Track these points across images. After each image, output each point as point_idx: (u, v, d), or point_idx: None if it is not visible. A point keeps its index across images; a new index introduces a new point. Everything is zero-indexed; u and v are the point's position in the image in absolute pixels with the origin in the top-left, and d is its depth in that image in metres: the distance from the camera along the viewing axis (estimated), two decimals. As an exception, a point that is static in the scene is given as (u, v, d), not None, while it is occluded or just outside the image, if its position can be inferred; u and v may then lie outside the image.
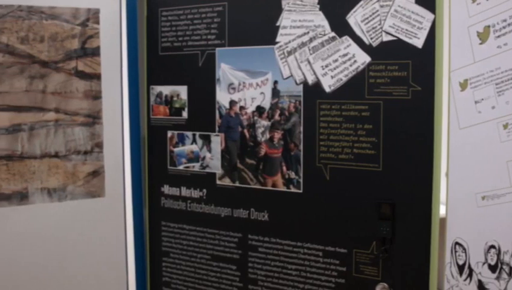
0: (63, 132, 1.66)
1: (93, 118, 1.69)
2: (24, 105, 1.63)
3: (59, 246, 1.69)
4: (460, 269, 1.35)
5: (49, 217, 1.68)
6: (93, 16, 1.66)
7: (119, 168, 1.74)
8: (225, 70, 1.62)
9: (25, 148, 1.63)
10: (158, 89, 1.74)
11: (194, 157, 1.70)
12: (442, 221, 1.40)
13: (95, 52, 1.68)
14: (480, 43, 1.29)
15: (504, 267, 1.27)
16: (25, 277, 1.66)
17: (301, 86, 1.53)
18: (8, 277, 1.64)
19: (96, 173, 1.70)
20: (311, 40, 1.52)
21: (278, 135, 1.58)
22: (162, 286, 1.79)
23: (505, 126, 1.26)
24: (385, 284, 1.45)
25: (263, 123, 1.60)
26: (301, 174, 1.55)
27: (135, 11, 1.73)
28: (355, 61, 1.46)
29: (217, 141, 1.66)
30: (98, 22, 1.67)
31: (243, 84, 1.60)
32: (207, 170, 1.69)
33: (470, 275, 1.33)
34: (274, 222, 1.60)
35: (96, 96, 1.69)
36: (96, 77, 1.68)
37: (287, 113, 1.56)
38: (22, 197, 1.64)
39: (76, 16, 1.65)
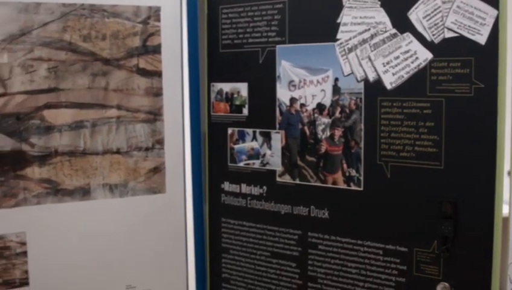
0: (124, 128, 1.92)
1: (154, 115, 1.94)
2: (86, 102, 1.88)
3: (120, 241, 1.94)
4: (523, 269, 1.50)
5: (111, 213, 1.93)
6: (154, 13, 1.91)
7: (179, 164, 1.98)
8: (285, 68, 1.83)
9: (87, 145, 1.89)
10: (219, 86, 1.97)
11: (254, 154, 1.92)
12: (505, 220, 1.56)
13: (156, 49, 1.93)
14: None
15: None
16: (85, 271, 1.91)
17: (362, 83, 1.70)
18: (69, 271, 1.90)
19: (157, 170, 1.96)
20: (372, 37, 1.69)
21: (338, 133, 1.77)
22: (221, 283, 2.02)
23: None
24: (446, 284, 1.60)
25: (324, 120, 1.80)
26: (362, 172, 1.72)
27: (196, 9, 1.96)
28: (416, 58, 1.61)
29: (277, 138, 1.87)
30: (159, 20, 1.92)
31: (304, 82, 1.81)
32: (267, 167, 1.90)
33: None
34: (334, 219, 1.79)
35: (157, 93, 1.94)
36: (157, 74, 1.93)
37: (347, 111, 1.74)
38: (84, 192, 1.91)
39: (138, 13, 1.90)
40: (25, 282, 1.86)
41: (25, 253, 1.85)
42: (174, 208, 1.99)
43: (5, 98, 1.78)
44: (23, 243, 1.84)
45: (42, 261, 1.87)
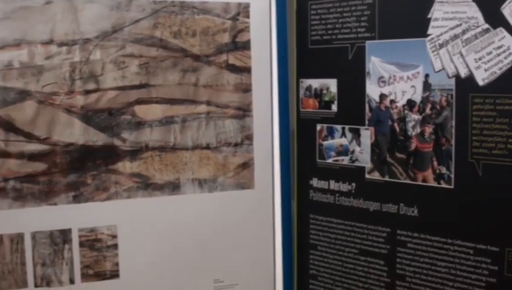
0: (214, 124, 2.26)
1: (244, 111, 2.27)
2: (177, 98, 2.20)
3: (208, 235, 2.26)
4: None
5: (200, 207, 2.25)
6: (244, 10, 2.24)
7: (268, 160, 2.29)
8: (375, 64, 2.09)
9: (177, 140, 2.24)
10: (307, 82, 2.26)
11: (343, 151, 2.20)
12: None
13: (246, 45, 2.25)
14: None
15: None
16: (174, 265, 2.24)
17: (453, 79, 1.92)
18: (158, 264, 2.22)
19: (246, 165, 2.29)
20: (464, 32, 1.90)
21: (429, 129, 2.00)
22: (309, 279, 2.30)
23: None
24: (538, 285, 1.78)
25: (414, 117, 2.04)
26: (452, 170, 1.95)
27: (285, 5, 2.23)
28: (510, 53, 1.81)
29: (367, 134, 2.14)
30: (248, 16, 2.24)
31: (394, 78, 2.06)
32: (356, 164, 2.17)
33: None
34: (424, 217, 2.02)
35: (247, 89, 2.26)
36: (247, 70, 2.26)
37: (438, 107, 1.96)
38: (173, 187, 2.25)
39: (227, 10, 2.23)
40: (115, 274, 2.20)
41: (115, 246, 2.19)
42: (262, 204, 2.30)
43: (98, 93, 2.11)
44: (114, 236, 2.18)
45: (132, 254, 2.20)
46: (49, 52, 2.05)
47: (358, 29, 2.11)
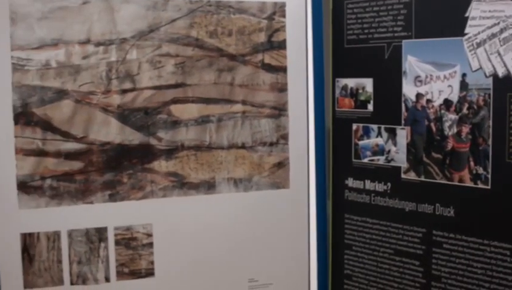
0: (249, 123, 2.37)
1: (279, 110, 2.37)
2: (212, 97, 2.30)
3: (243, 235, 2.35)
4: None
5: (235, 207, 2.34)
6: (280, 9, 2.35)
7: (303, 160, 2.38)
8: (412, 63, 2.16)
9: (212, 139, 2.35)
10: (343, 81, 2.34)
11: (379, 151, 2.28)
12: None
13: (281, 45, 2.35)
14: None
15: None
16: (208, 264, 2.34)
17: (491, 78, 1.98)
18: (193, 263, 2.33)
19: (282, 165, 2.40)
20: (501, 31, 1.96)
21: (465, 129, 2.07)
22: (343, 279, 2.38)
23: None
24: None
25: (450, 117, 2.11)
26: (490, 170, 2.01)
27: (320, 4, 2.31)
28: None
29: (403, 134, 2.21)
30: (284, 16, 2.34)
31: (430, 77, 2.12)
32: (392, 164, 2.25)
33: None
34: (460, 218, 2.09)
35: (282, 88, 2.37)
36: (282, 69, 2.36)
37: (475, 107, 2.02)
38: (209, 186, 2.35)
39: (263, 9, 2.33)
40: (150, 273, 2.31)
41: (151, 244, 2.30)
42: (297, 203, 2.39)
43: (134, 93, 2.23)
44: (150, 235, 2.29)
45: (167, 252, 2.30)
46: (86, 51, 2.17)
47: (395, 28, 2.19)
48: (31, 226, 2.18)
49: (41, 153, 2.16)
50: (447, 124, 2.13)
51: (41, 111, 2.14)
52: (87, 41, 2.17)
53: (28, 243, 2.18)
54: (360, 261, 2.38)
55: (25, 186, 2.15)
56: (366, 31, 2.27)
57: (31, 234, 2.18)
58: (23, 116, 2.13)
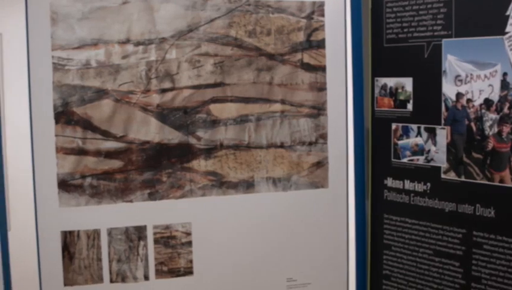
0: (288, 123, 2.44)
1: (318, 110, 2.44)
2: (251, 96, 2.39)
3: (282, 234, 2.43)
4: None
5: (274, 206, 2.42)
6: (318, 8, 2.41)
7: (342, 159, 2.45)
8: (452, 62, 2.20)
9: (251, 138, 2.42)
10: (383, 80, 2.39)
11: (419, 150, 2.33)
12: None
13: (320, 44, 2.42)
14: None
15: None
16: (247, 263, 2.43)
17: None
18: (231, 262, 2.41)
19: (320, 164, 2.47)
20: None
21: (506, 129, 2.10)
22: (382, 279, 2.45)
23: None
24: None
25: (491, 116, 2.14)
26: None
27: (359, 3, 2.38)
28: None
29: (443, 134, 2.26)
30: (323, 15, 2.40)
31: (471, 76, 2.17)
32: (431, 164, 2.30)
33: None
34: (501, 218, 2.12)
35: (321, 88, 2.43)
36: (321, 69, 2.42)
37: None
38: (248, 185, 2.43)
39: (302, 9, 2.40)
40: (189, 271, 2.40)
41: (189, 243, 2.39)
42: (336, 203, 2.47)
43: (173, 92, 2.31)
44: (189, 233, 2.38)
45: (206, 251, 2.39)
46: (125, 51, 2.26)
47: (435, 27, 2.24)
48: (71, 224, 2.28)
49: (81, 152, 2.25)
50: (487, 124, 2.16)
51: (82, 110, 2.23)
52: (126, 41, 2.25)
53: (68, 241, 2.27)
54: (399, 262, 2.43)
55: (65, 185, 2.24)
56: (405, 30, 2.32)
57: (71, 232, 2.27)
58: (63, 116, 2.22)
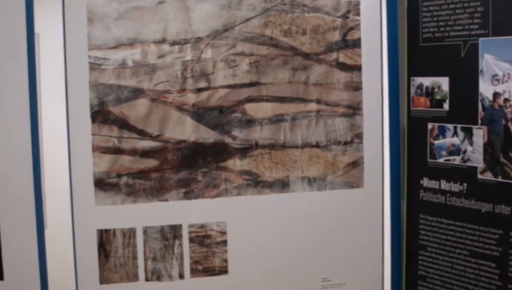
0: (324, 122, 2.48)
1: (354, 109, 2.48)
2: (287, 96, 2.43)
3: (316, 234, 2.48)
4: None
5: (309, 206, 2.47)
6: (354, 8, 2.44)
7: (378, 159, 2.49)
8: (489, 61, 2.22)
9: (287, 138, 2.46)
10: (419, 80, 2.42)
11: (455, 150, 2.36)
12: None
13: (356, 43, 2.46)
14: None
15: None
16: (282, 263, 2.47)
17: None
18: (266, 261, 2.46)
19: (356, 164, 2.51)
20: None
21: None
22: (417, 280, 2.47)
23: None
24: None
25: None
26: None
27: (395, 2, 2.41)
28: None
29: (479, 134, 2.28)
30: (358, 14, 2.44)
31: (508, 76, 2.17)
32: (468, 164, 2.32)
33: None
34: None
35: (357, 87, 2.47)
36: (357, 68, 2.46)
37: None
38: (283, 185, 2.48)
39: (338, 8, 2.44)
40: (224, 270, 2.45)
41: (224, 242, 2.44)
42: (371, 203, 2.50)
43: (209, 92, 2.37)
44: (224, 233, 2.43)
45: (241, 251, 2.44)
46: (161, 51, 2.32)
47: (471, 26, 2.26)
48: (107, 222, 2.34)
49: (117, 151, 2.32)
50: (525, 124, 2.12)
51: (118, 109, 2.29)
52: (162, 41, 2.31)
53: (104, 240, 2.33)
54: (434, 263, 2.46)
55: (101, 184, 2.30)
56: (441, 29, 2.35)
57: (107, 231, 2.34)
58: (100, 115, 2.28)
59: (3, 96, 2.13)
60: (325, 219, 2.47)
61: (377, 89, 2.47)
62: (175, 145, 2.32)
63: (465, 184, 2.33)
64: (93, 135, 2.27)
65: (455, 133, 2.34)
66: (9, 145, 2.16)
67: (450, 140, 2.35)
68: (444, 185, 2.39)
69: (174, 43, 2.29)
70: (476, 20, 2.25)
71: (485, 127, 2.26)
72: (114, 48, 2.24)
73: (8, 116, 2.16)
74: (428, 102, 2.41)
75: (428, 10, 2.37)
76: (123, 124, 2.27)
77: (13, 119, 2.17)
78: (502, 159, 2.23)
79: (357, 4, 2.38)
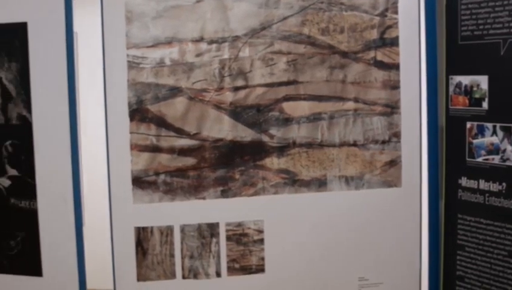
0: (361, 121, 2.50)
1: (391, 108, 2.50)
2: (324, 94, 2.47)
3: (354, 233, 2.52)
4: None
5: (346, 205, 2.50)
6: (392, 6, 2.47)
7: (416, 158, 2.51)
8: None
9: (324, 137, 2.50)
10: (457, 78, 2.43)
11: (494, 150, 2.36)
12: None
13: (394, 42, 2.48)
14: None
15: None
16: (319, 261, 2.52)
17: None
18: (303, 260, 2.51)
19: (393, 163, 2.53)
20: None
21: None
22: (455, 280, 2.49)
23: None
24: None
25: None
26: None
27: (434, 0, 2.44)
28: None
29: None
30: (396, 12, 2.47)
31: None
32: (507, 163, 2.32)
33: None
34: None
35: (395, 86, 2.49)
36: (395, 66, 2.48)
37: None
38: (320, 184, 2.51)
39: (376, 6, 2.46)
40: (260, 269, 2.50)
41: (261, 240, 2.49)
42: (409, 203, 2.53)
43: (246, 90, 2.42)
44: (261, 231, 2.48)
45: (278, 249, 2.49)
46: (199, 49, 2.37)
47: (511, 24, 2.27)
48: (144, 220, 2.40)
49: (155, 149, 2.38)
50: None
51: (156, 108, 2.35)
52: (200, 39, 2.37)
53: (142, 237, 2.39)
54: (473, 263, 2.47)
55: (139, 182, 2.36)
56: (481, 27, 2.36)
57: (144, 228, 2.39)
58: (138, 113, 2.34)
59: (42, 95, 2.19)
60: (362, 218, 2.50)
61: (415, 88, 2.49)
62: (212, 144, 2.37)
63: (504, 184, 2.34)
64: (131, 133, 2.32)
65: (494, 132, 2.35)
66: (48, 144, 2.21)
67: (489, 139, 2.36)
68: (483, 184, 2.40)
69: (211, 42, 2.34)
70: (516, 18, 2.19)
71: (525, 126, 2.20)
72: (152, 46, 2.29)
73: (48, 115, 2.21)
74: (467, 101, 2.42)
75: (467, 8, 2.38)
76: (161, 122, 2.32)
77: (52, 118, 2.21)
78: (542, 159, 2.18)
79: (395, 2, 2.42)
